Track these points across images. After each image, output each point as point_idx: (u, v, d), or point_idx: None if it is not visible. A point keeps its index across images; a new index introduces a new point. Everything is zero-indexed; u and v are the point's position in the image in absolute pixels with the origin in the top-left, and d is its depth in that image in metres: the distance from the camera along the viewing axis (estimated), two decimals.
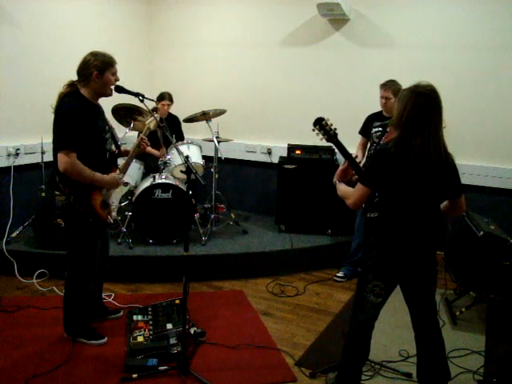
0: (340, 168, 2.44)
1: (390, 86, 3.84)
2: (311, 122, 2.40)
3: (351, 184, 2.39)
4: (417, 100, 2.11)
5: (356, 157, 2.49)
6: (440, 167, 2.16)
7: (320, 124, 2.38)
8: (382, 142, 3.87)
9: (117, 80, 2.80)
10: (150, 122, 3.24)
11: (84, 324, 3.00)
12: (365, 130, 4.22)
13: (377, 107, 4.10)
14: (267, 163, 5.40)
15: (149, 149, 3.49)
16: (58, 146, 2.65)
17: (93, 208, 2.79)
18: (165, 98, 4.73)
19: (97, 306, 3.23)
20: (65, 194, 2.75)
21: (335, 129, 2.40)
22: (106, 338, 3.00)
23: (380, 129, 3.98)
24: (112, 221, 3.01)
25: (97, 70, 2.68)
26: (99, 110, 2.87)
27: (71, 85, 2.73)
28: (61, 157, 2.62)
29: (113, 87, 2.81)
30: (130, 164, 3.10)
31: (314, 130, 2.41)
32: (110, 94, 2.83)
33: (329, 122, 2.39)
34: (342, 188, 2.37)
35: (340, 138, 2.41)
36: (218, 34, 5.50)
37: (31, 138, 4.33)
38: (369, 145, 4.21)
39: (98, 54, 2.73)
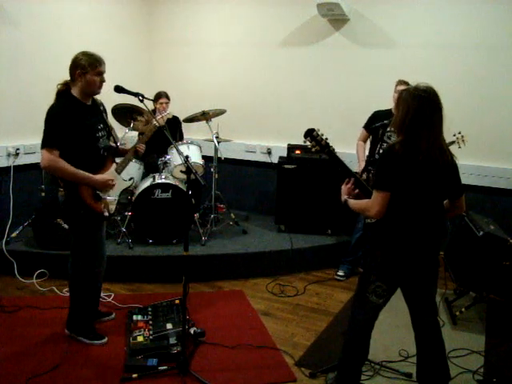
0: (347, 186, 2.40)
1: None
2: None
3: (359, 197, 2.36)
4: (419, 103, 2.11)
5: (360, 174, 2.45)
6: (445, 168, 2.17)
7: (311, 135, 2.38)
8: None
9: (102, 81, 2.81)
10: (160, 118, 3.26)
11: (87, 323, 3.01)
12: (369, 126, 4.17)
13: (377, 106, 4.11)
14: (267, 163, 5.40)
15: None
16: (42, 143, 2.70)
17: (83, 200, 2.80)
18: (162, 96, 4.69)
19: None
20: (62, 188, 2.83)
21: (326, 139, 2.39)
22: (106, 338, 3.01)
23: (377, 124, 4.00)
24: (107, 214, 2.94)
25: (80, 69, 2.71)
26: (91, 109, 2.87)
27: (65, 84, 2.77)
28: (44, 153, 2.68)
29: (106, 86, 2.83)
30: (126, 166, 3.10)
31: (305, 142, 2.41)
32: (97, 93, 2.86)
33: (319, 133, 2.38)
34: (356, 203, 2.33)
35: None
36: (219, 33, 5.49)
37: (31, 138, 4.32)
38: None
39: (87, 53, 2.76)
